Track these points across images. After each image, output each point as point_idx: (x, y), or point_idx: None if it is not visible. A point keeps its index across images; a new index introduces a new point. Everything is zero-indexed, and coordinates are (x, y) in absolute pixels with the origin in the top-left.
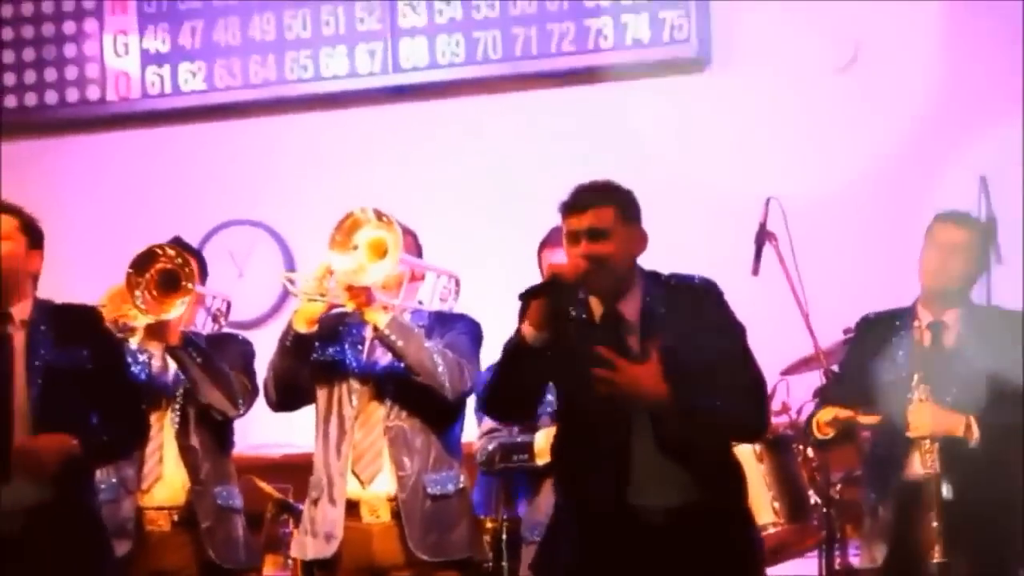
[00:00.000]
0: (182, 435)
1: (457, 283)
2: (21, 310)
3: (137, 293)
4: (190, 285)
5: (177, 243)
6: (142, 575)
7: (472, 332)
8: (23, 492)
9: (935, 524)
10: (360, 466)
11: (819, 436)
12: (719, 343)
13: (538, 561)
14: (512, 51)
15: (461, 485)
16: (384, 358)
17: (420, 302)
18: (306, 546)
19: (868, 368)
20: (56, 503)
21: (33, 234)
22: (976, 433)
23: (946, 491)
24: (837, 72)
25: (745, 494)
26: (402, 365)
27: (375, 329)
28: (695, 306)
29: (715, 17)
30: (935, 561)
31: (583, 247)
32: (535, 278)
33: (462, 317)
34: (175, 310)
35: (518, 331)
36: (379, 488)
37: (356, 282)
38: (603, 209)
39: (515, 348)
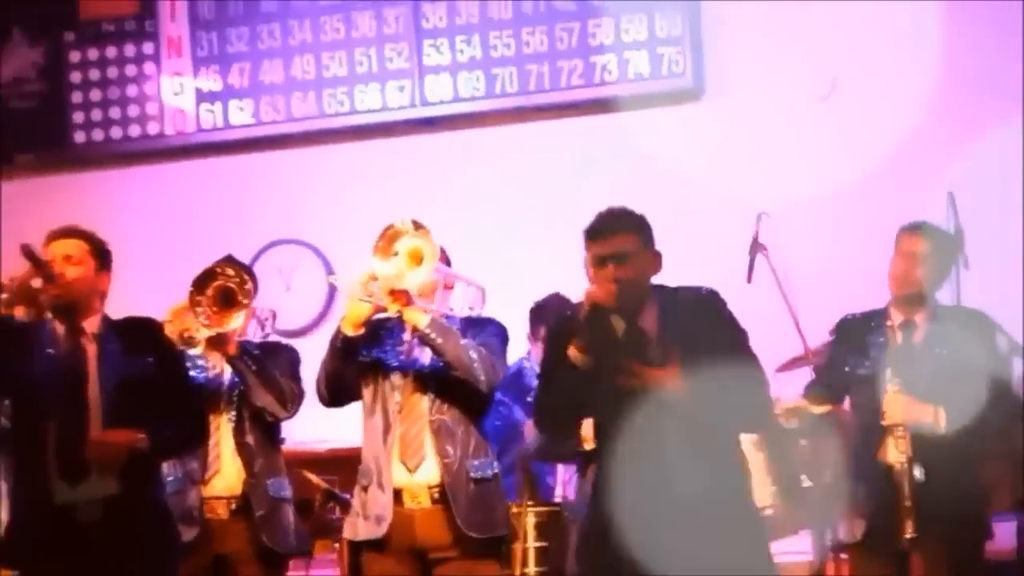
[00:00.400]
0: (238, 433)
1: (483, 293)
2: (91, 324)
3: (199, 309)
4: (246, 300)
5: (230, 261)
6: (205, 559)
7: (501, 334)
8: (99, 485)
9: (907, 503)
10: (407, 455)
11: (789, 426)
12: (726, 345)
13: (582, 542)
14: (527, 85)
15: (496, 470)
16: (424, 356)
17: (451, 309)
18: (357, 528)
19: (847, 363)
20: (127, 494)
21: (102, 257)
22: (943, 421)
23: (918, 473)
24: (817, 101)
25: (747, 477)
26: (441, 362)
27: (415, 329)
28: (703, 313)
29: (708, 53)
30: (908, 536)
31: (611, 271)
32: (546, 287)
33: (491, 321)
34: (233, 323)
35: (565, 357)
36: (423, 476)
37: (397, 286)
38: (626, 235)
39: (565, 370)
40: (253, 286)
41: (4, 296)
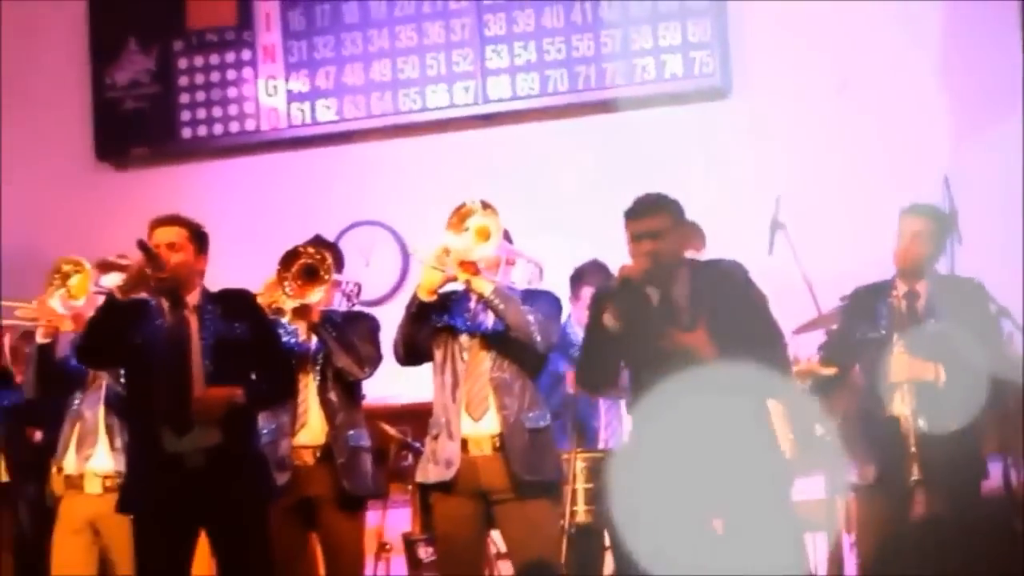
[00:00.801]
0: (322, 391)
1: (541, 270)
2: (192, 298)
3: (285, 284)
4: (327, 276)
5: (317, 240)
6: (293, 500)
7: (555, 304)
8: (202, 435)
9: (913, 450)
10: (472, 408)
11: (801, 384)
12: (750, 309)
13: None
14: (575, 85)
15: (548, 422)
16: (488, 320)
17: (512, 282)
18: (428, 472)
19: (858, 329)
20: (228, 443)
21: (200, 241)
22: (943, 377)
23: (922, 423)
24: (832, 95)
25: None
26: (502, 325)
27: (480, 296)
28: (728, 281)
29: (734, 56)
30: (914, 479)
31: (645, 246)
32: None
33: (546, 293)
34: (314, 296)
35: (601, 323)
36: (486, 426)
37: (466, 257)
38: (658, 215)
39: (601, 334)
40: (337, 263)
41: (122, 283)
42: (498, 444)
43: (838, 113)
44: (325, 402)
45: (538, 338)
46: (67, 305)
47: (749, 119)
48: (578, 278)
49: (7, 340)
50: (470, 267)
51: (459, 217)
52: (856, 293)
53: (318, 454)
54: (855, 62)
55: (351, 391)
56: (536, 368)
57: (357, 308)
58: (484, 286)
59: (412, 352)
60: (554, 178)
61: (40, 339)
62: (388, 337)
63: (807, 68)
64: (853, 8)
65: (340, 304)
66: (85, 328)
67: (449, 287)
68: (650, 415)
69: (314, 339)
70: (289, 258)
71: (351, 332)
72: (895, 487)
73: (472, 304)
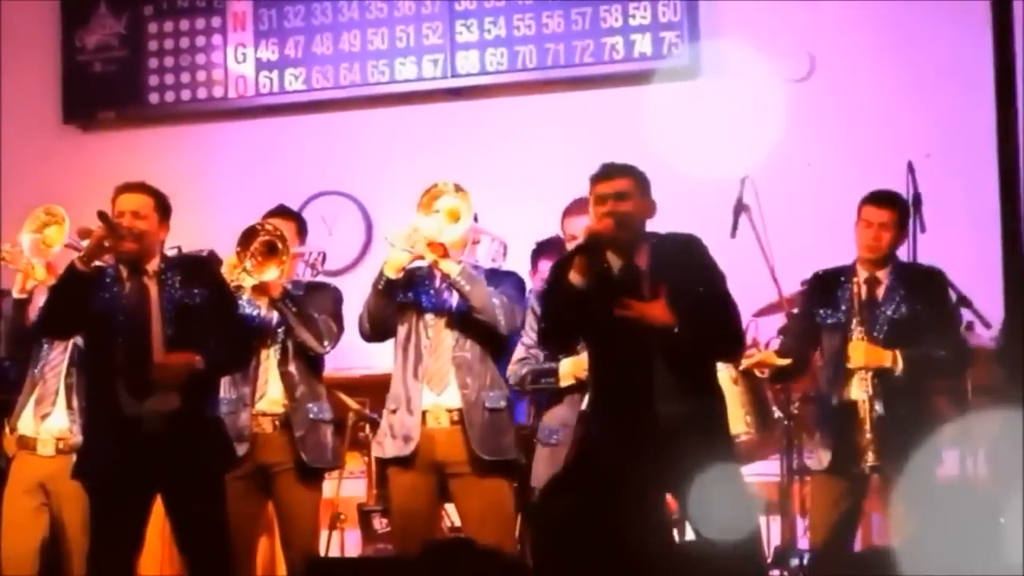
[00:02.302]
0: (282, 363)
1: (505, 248)
2: (152, 265)
3: (245, 262)
4: (284, 253)
5: (280, 209)
6: (250, 468)
7: (519, 285)
8: (162, 400)
9: (869, 435)
10: (432, 384)
11: (759, 374)
12: (707, 280)
13: (576, 459)
14: (544, 61)
15: (508, 402)
16: (453, 300)
17: (477, 261)
18: (386, 446)
19: (817, 314)
20: (187, 409)
21: (164, 210)
22: (901, 364)
23: (879, 408)
24: (798, 80)
25: (724, 406)
26: (467, 306)
27: (446, 277)
28: (687, 253)
29: (704, 36)
30: (869, 464)
31: (609, 205)
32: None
33: (511, 273)
34: (272, 272)
35: (566, 280)
36: (445, 400)
37: (436, 239)
38: (625, 178)
39: (565, 291)
40: (300, 232)
41: (83, 252)
42: (456, 418)
43: (806, 96)
44: (285, 375)
45: (502, 321)
46: (40, 251)
47: (717, 100)
48: (538, 252)
49: None
50: (438, 248)
51: (430, 197)
52: (816, 277)
53: (277, 423)
54: (824, 45)
55: (312, 364)
56: (499, 349)
57: (321, 279)
58: (451, 267)
59: (378, 328)
60: (521, 154)
61: (16, 294)
62: (351, 308)
63: (776, 51)
64: None
65: (304, 273)
66: (46, 300)
67: (415, 264)
68: (604, 397)
69: (274, 313)
70: (248, 235)
71: (313, 304)
72: (849, 472)
73: (438, 283)
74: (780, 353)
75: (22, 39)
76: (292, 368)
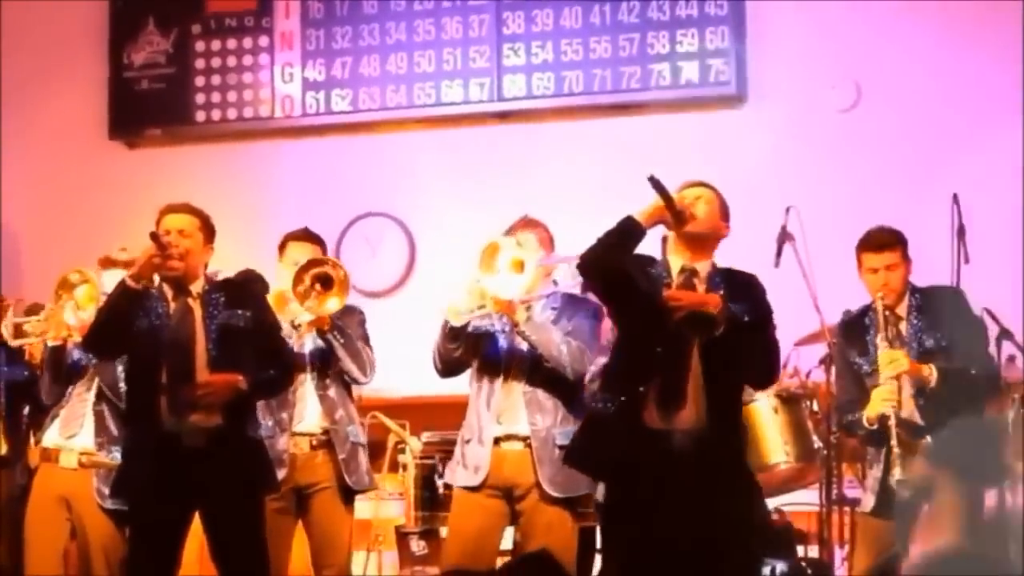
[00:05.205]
0: (320, 387)
1: None
2: (197, 285)
3: (304, 296)
4: (343, 287)
5: (305, 232)
6: (287, 487)
7: (594, 315)
8: (204, 418)
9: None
10: (503, 419)
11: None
12: (758, 312)
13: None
14: (591, 86)
15: None
16: (523, 343)
17: (555, 282)
18: (457, 476)
19: (854, 363)
20: (230, 427)
21: (208, 231)
22: (936, 375)
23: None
24: (843, 110)
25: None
26: (536, 353)
27: (515, 324)
28: (747, 285)
29: (751, 65)
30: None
31: (691, 203)
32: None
33: (586, 301)
34: (332, 305)
35: (631, 218)
36: (516, 431)
37: (502, 297)
38: (707, 192)
39: (626, 230)
40: (323, 252)
41: (134, 270)
42: (528, 445)
43: (851, 125)
44: (324, 398)
45: (568, 368)
46: (75, 316)
47: (763, 128)
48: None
49: (10, 315)
50: (505, 306)
51: (489, 255)
52: (845, 324)
53: (314, 443)
54: (870, 73)
55: (347, 387)
56: (568, 392)
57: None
58: (519, 316)
59: (450, 367)
60: (566, 179)
61: (51, 342)
62: (389, 331)
63: (823, 78)
64: (871, 19)
65: None
66: (96, 317)
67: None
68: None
69: (307, 342)
70: (303, 268)
71: (351, 332)
72: (893, 513)
73: (508, 325)
74: (844, 404)
75: (70, 54)
76: (331, 392)
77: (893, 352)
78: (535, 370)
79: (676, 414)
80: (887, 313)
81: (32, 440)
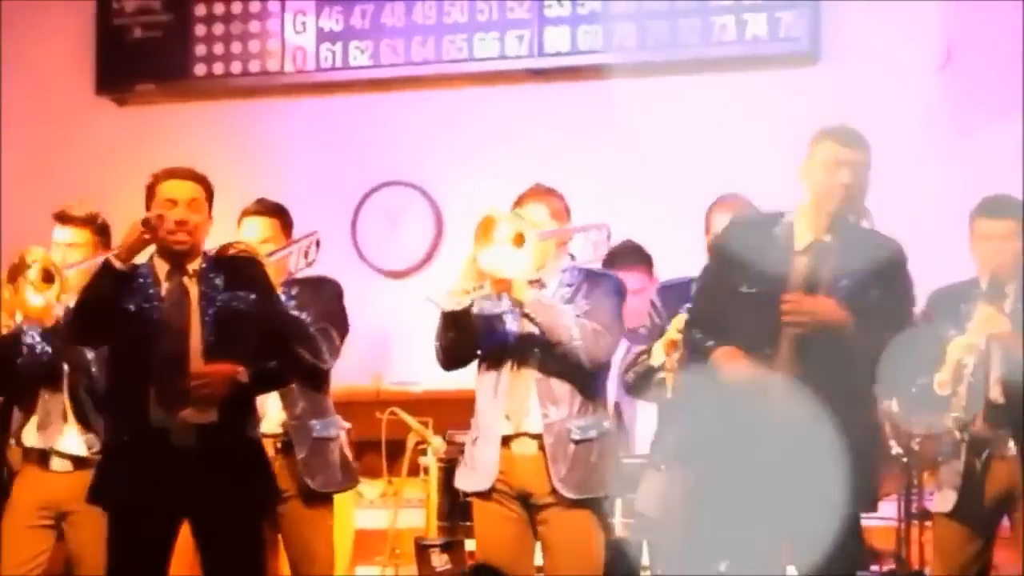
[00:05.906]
0: None
1: (608, 232)
2: (194, 263)
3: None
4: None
5: (259, 205)
6: None
7: (616, 292)
8: (197, 413)
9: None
10: (513, 410)
11: None
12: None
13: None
14: (645, 42)
15: (605, 429)
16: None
17: (572, 256)
18: (466, 479)
19: (945, 335)
20: (226, 425)
21: (211, 201)
22: None
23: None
24: (933, 70)
25: None
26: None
27: (520, 305)
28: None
29: (824, 18)
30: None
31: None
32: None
33: (607, 277)
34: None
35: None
36: (529, 428)
37: (499, 274)
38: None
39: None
40: (285, 227)
41: (122, 249)
42: (542, 445)
43: (937, 88)
44: (282, 392)
45: (582, 355)
46: (41, 297)
47: (837, 90)
48: (610, 262)
49: None
50: (502, 284)
51: (484, 229)
52: (936, 297)
53: (278, 445)
54: (961, 30)
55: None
56: (585, 377)
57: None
58: (521, 297)
59: (453, 359)
60: (613, 146)
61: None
62: (410, 316)
63: (906, 36)
64: None
65: (299, 263)
66: (76, 300)
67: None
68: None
69: None
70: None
71: (308, 305)
72: (978, 516)
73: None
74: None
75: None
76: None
77: (991, 310)
78: (548, 355)
79: None
80: (993, 291)
81: (11, 439)
